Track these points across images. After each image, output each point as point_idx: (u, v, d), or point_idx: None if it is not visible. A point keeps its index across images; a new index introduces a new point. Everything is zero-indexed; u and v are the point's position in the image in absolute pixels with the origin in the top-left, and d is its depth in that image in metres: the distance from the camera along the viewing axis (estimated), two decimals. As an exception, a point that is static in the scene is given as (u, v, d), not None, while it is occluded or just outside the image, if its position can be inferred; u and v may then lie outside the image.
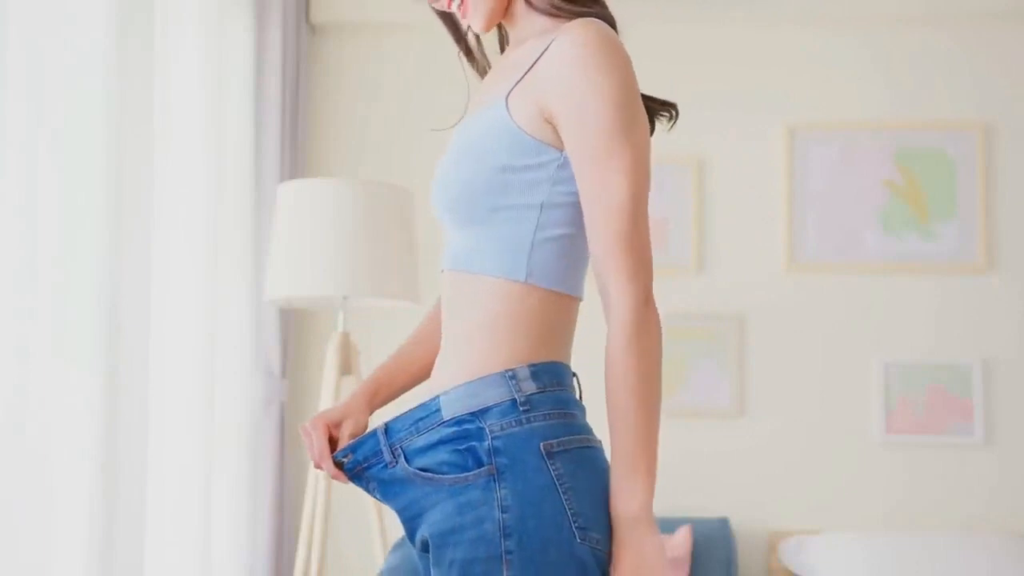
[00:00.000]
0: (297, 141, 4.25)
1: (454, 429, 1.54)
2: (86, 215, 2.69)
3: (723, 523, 4.16)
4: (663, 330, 4.29)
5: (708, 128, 4.46)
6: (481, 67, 1.82)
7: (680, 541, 4.00)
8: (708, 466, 4.35)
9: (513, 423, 1.52)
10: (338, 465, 1.67)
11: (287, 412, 4.23)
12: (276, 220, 3.45)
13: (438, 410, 1.57)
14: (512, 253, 1.57)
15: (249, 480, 3.85)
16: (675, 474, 4.34)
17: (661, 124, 1.75)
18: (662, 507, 4.28)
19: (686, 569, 3.98)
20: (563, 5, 1.64)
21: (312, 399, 4.35)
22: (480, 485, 1.51)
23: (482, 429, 1.53)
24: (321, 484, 3.45)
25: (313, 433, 1.71)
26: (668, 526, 4.12)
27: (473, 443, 1.53)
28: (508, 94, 1.59)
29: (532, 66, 1.59)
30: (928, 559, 3.96)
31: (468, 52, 1.82)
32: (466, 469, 1.52)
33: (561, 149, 1.57)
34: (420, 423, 1.58)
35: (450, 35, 1.82)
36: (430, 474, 1.55)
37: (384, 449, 1.62)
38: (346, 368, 3.50)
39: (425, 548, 1.59)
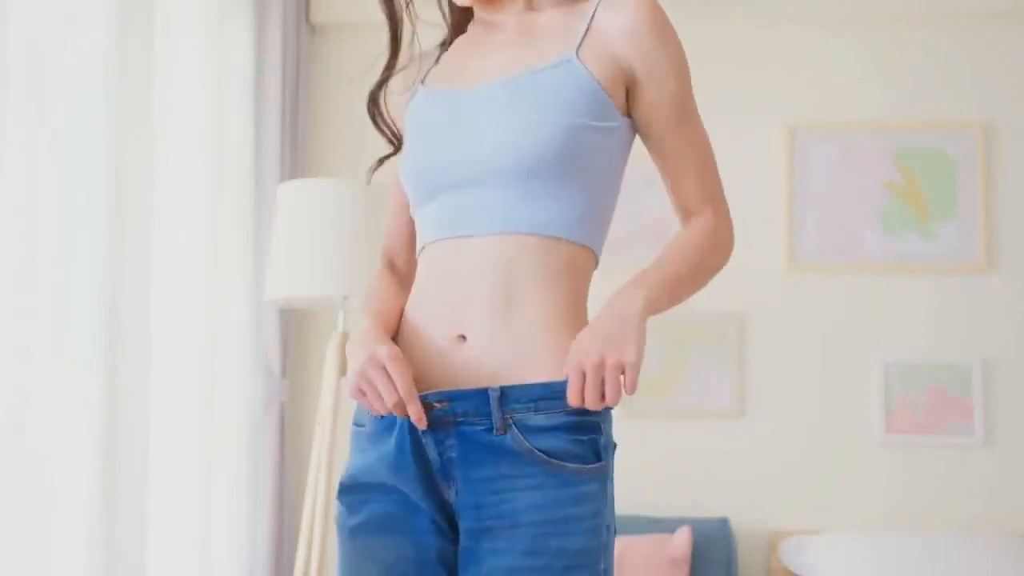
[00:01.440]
0: (297, 141, 4.25)
1: (576, 419, 1.56)
2: (86, 215, 2.69)
3: (723, 523, 4.16)
4: (663, 329, 4.30)
5: (708, 128, 4.43)
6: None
7: (680, 541, 4.00)
8: (708, 466, 4.35)
9: (610, 425, 1.62)
10: (427, 407, 1.57)
11: (287, 412, 4.23)
12: (276, 220, 3.45)
13: (562, 396, 1.55)
14: (585, 220, 1.63)
15: (249, 480, 3.85)
16: (675, 474, 4.34)
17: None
18: (662, 507, 4.28)
19: (686, 569, 3.99)
20: None
21: (312, 399, 4.35)
22: (598, 479, 1.57)
23: (598, 424, 1.58)
24: (321, 484, 3.45)
25: (399, 367, 1.56)
26: (668, 526, 4.12)
27: (594, 436, 1.57)
28: (577, 51, 1.63)
29: (589, 27, 1.64)
30: (928, 559, 3.96)
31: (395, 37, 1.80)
32: (587, 461, 1.56)
33: (623, 115, 1.65)
34: (540, 402, 1.56)
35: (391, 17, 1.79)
36: (553, 459, 1.55)
37: (495, 414, 1.56)
38: (346, 368, 3.50)
39: (478, 527, 1.56)
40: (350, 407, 3.63)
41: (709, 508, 4.30)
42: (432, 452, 1.59)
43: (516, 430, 1.56)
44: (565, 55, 1.64)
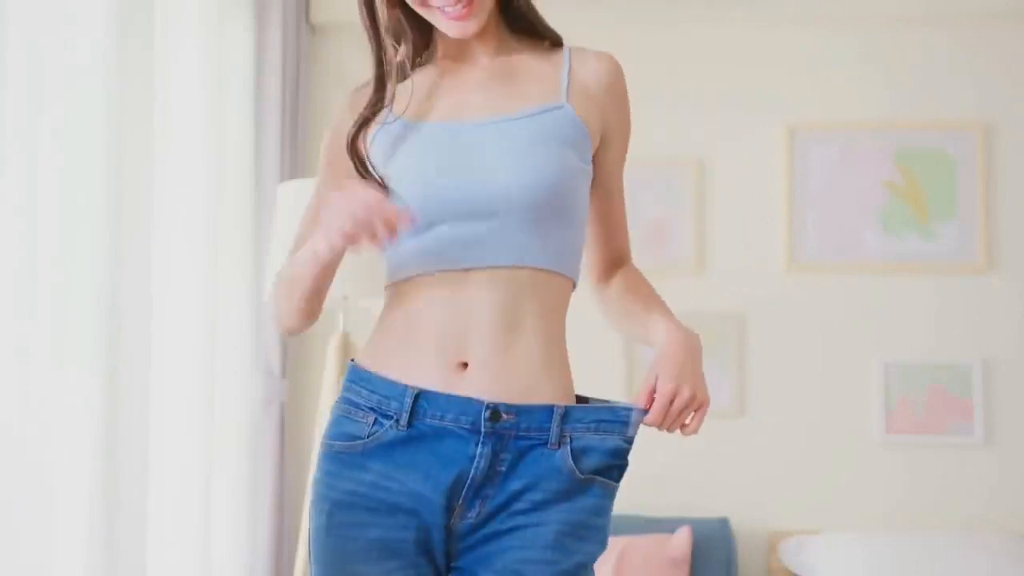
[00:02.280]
0: (297, 141, 4.25)
1: (626, 447, 1.68)
2: (86, 215, 2.69)
3: (723, 523, 4.16)
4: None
5: (708, 128, 4.45)
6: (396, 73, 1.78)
7: (680, 541, 4.00)
8: (708, 466, 4.35)
9: None
10: (493, 417, 1.61)
11: (287, 412, 4.23)
12: (276, 220, 3.45)
13: (627, 423, 1.66)
14: (573, 254, 1.73)
15: (249, 480, 3.85)
16: (675, 474, 4.34)
17: None
18: (662, 507, 4.28)
19: (686, 569, 3.99)
20: (547, 33, 1.81)
21: (312, 399, 4.35)
22: (611, 496, 1.69)
23: (630, 451, 1.70)
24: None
25: (382, 203, 1.56)
26: (668, 526, 4.12)
27: (626, 461, 1.70)
28: (568, 98, 1.73)
29: (570, 79, 1.74)
30: (928, 559, 3.96)
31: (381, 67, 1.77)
32: (615, 480, 1.69)
33: (591, 162, 1.76)
34: (603, 424, 1.66)
35: (381, 42, 1.76)
36: (601, 478, 1.66)
37: (554, 429, 1.63)
38: (346, 368, 3.50)
39: (502, 527, 1.62)
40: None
41: (709, 508, 4.30)
42: (482, 464, 1.62)
43: (568, 449, 1.64)
44: (557, 101, 1.72)
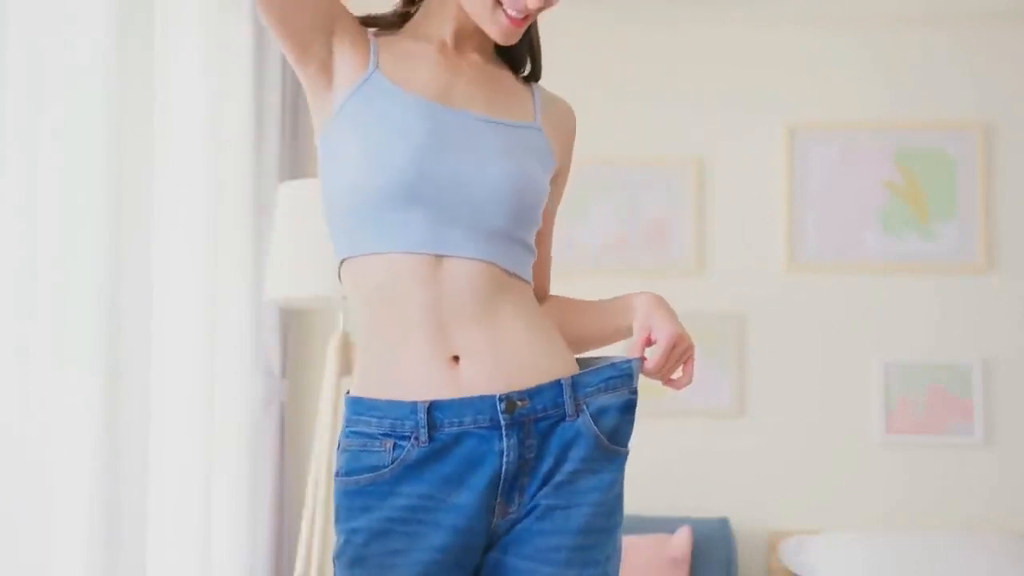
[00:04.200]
0: (297, 141, 4.25)
1: (634, 399, 1.71)
2: (86, 215, 2.69)
3: (723, 523, 4.16)
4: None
5: (708, 128, 4.46)
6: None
7: (680, 541, 4.00)
8: (708, 466, 4.35)
9: None
10: (509, 407, 1.61)
11: (287, 412, 4.23)
12: (276, 220, 3.45)
13: (631, 375, 1.69)
14: (530, 269, 1.74)
15: (249, 480, 3.85)
16: (675, 474, 4.34)
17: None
18: (662, 507, 4.28)
19: (686, 569, 3.99)
20: (536, 66, 1.84)
21: (312, 399, 4.35)
22: (623, 462, 1.70)
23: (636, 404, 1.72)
24: (321, 484, 3.45)
25: None
26: (668, 526, 4.12)
27: (633, 416, 1.72)
28: (541, 124, 1.77)
29: (536, 109, 1.78)
30: (928, 559, 3.96)
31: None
32: (628, 442, 1.71)
33: None
34: (611, 380, 1.68)
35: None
36: (612, 443, 1.67)
37: (568, 401, 1.65)
38: (346, 368, 3.50)
39: (537, 514, 1.62)
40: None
41: (709, 508, 4.30)
42: (512, 456, 1.61)
43: (588, 414, 1.65)
44: (532, 122, 1.76)
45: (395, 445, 1.62)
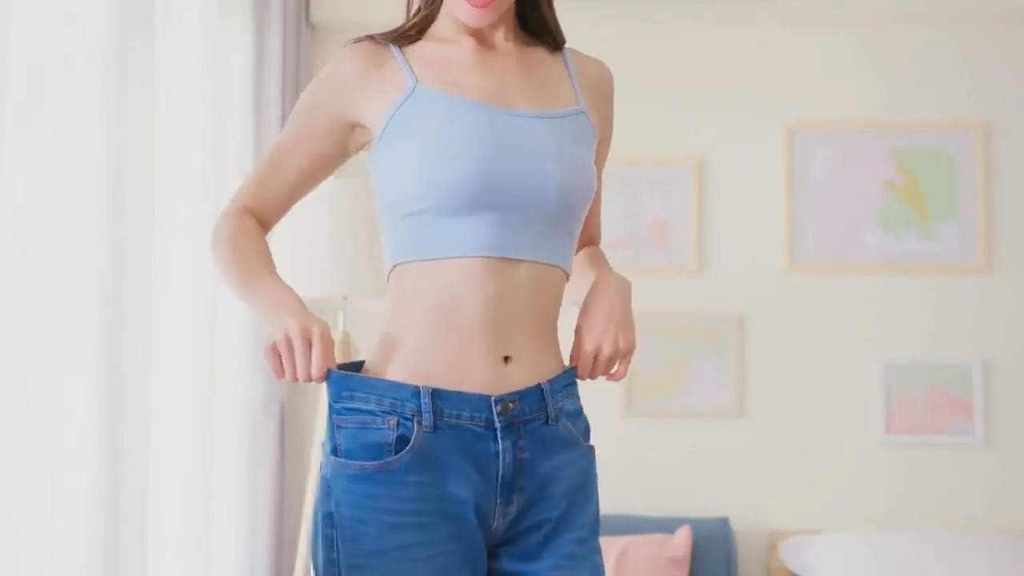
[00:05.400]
0: (297, 141, 4.24)
1: (580, 401, 1.76)
2: (86, 215, 2.69)
3: (723, 523, 4.16)
4: (663, 329, 4.30)
5: (708, 128, 4.45)
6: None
7: (680, 541, 4.00)
8: (708, 466, 4.35)
9: None
10: (503, 409, 1.63)
11: (287, 412, 4.23)
12: (276, 220, 3.44)
13: (575, 383, 1.75)
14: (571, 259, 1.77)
15: (249, 480, 3.85)
16: (675, 474, 4.34)
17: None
18: (662, 507, 4.28)
19: (686, 569, 3.98)
20: (557, 34, 1.82)
21: (312, 399, 4.35)
22: (593, 456, 1.75)
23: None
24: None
25: (326, 349, 1.62)
26: (668, 526, 4.12)
27: (585, 416, 1.77)
28: (583, 105, 1.76)
29: (578, 85, 1.76)
30: (928, 559, 3.97)
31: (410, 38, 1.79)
32: (588, 439, 1.76)
33: None
34: (569, 388, 1.73)
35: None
36: (581, 438, 1.73)
37: (550, 406, 1.68)
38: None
39: (541, 519, 1.67)
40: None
41: (709, 508, 4.30)
42: (508, 457, 1.63)
43: (564, 418, 1.70)
44: (576, 107, 1.75)
45: (399, 423, 1.61)
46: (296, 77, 4.23)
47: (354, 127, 1.73)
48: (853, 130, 4.42)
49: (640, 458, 4.30)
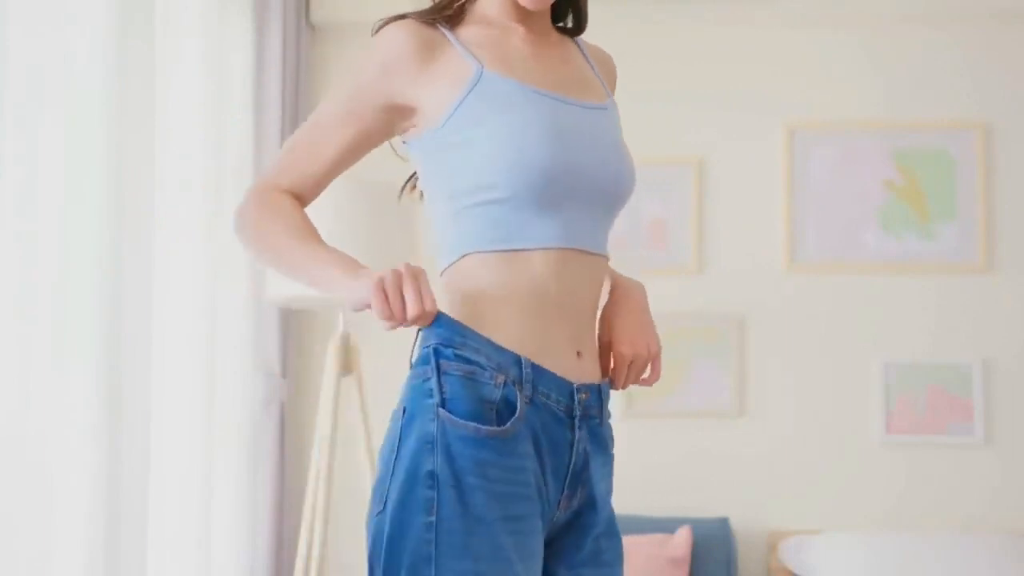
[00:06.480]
0: (297, 141, 4.24)
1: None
2: (86, 215, 2.69)
3: (723, 523, 4.16)
4: (663, 329, 4.30)
5: (708, 128, 4.46)
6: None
7: (680, 541, 4.00)
8: (708, 466, 4.35)
9: None
10: (582, 400, 1.63)
11: (287, 412, 4.23)
12: (276, 220, 3.44)
13: (608, 395, 1.74)
14: None
15: (249, 480, 3.85)
16: (675, 474, 4.34)
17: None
18: (662, 507, 4.28)
19: (686, 569, 3.99)
20: (583, 23, 1.84)
21: (312, 399, 4.35)
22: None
23: None
24: (321, 484, 3.45)
25: (427, 284, 1.56)
26: (668, 526, 4.12)
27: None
28: (615, 102, 1.78)
29: (601, 80, 1.79)
30: (928, 559, 3.97)
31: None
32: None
33: None
34: (609, 396, 1.72)
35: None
36: (611, 445, 1.72)
37: (605, 407, 1.70)
38: (346, 368, 3.50)
39: (590, 505, 1.67)
40: (350, 407, 3.63)
41: (709, 508, 4.30)
42: (581, 447, 1.63)
43: (608, 422, 1.71)
44: (611, 99, 1.77)
45: (505, 383, 1.57)
46: (296, 77, 4.23)
47: (404, 109, 1.66)
48: (853, 130, 4.42)
49: (640, 458, 4.29)
